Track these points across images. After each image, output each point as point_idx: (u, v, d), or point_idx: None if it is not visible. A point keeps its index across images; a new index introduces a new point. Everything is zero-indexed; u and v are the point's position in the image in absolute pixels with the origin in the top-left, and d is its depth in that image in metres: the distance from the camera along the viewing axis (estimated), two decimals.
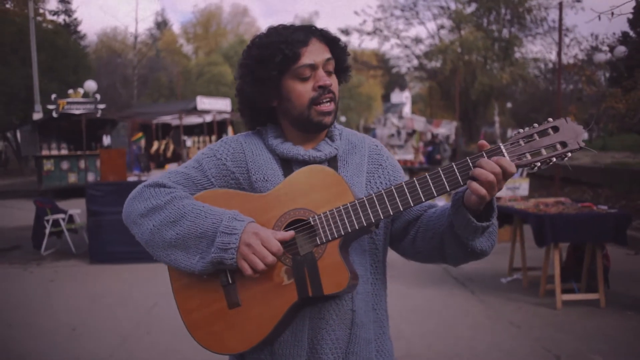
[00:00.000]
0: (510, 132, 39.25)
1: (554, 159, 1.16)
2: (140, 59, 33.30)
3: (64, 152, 15.88)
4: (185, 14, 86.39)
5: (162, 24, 45.90)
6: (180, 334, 4.34)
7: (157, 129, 13.95)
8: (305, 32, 1.33)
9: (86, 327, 4.62)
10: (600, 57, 17.58)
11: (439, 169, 1.20)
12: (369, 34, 32.42)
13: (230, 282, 1.28)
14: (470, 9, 30.08)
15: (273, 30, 1.35)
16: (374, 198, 1.23)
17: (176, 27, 50.28)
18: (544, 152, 1.17)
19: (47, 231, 7.60)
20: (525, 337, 4.20)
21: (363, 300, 1.36)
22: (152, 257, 1.36)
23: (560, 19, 9.79)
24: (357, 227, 1.23)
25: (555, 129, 1.16)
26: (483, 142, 1.20)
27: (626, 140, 20.08)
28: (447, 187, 1.19)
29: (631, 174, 11.55)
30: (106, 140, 15.97)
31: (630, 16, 19.97)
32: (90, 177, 15.15)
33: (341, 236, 1.24)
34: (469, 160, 1.18)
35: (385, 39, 32.56)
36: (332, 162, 1.40)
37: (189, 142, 14.72)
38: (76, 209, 8.38)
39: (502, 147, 1.18)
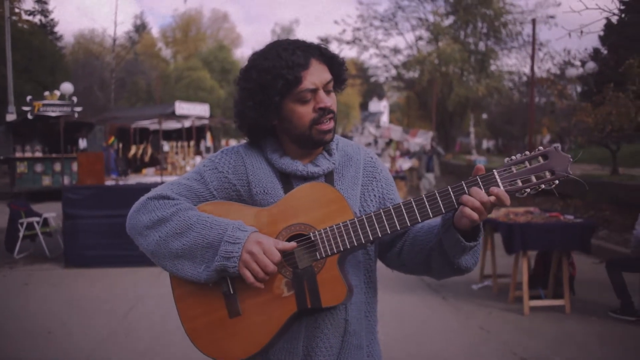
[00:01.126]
0: (485, 143, 39.97)
1: (543, 186, 1.21)
2: (118, 62, 32.99)
3: (39, 154, 15.66)
4: (164, 17, 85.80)
5: (140, 27, 45.57)
6: (158, 336, 4.40)
7: (135, 134, 13.88)
8: (305, 54, 1.33)
9: (63, 330, 4.62)
10: (572, 72, 18.14)
11: (435, 191, 1.25)
12: (348, 43, 32.72)
13: (231, 291, 1.32)
14: (448, 21, 30.66)
15: (273, 53, 1.34)
16: (373, 217, 1.28)
17: (155, 31, 50.12)
18: (533, 178, 1.22)
19: (21, 234, 7.52)
20: (494, 340, 4.36)
21: (356, 309, 1.41)
22: (160, 265, 1.40)
23: (534, 36, 10.13)
24: (355, 244, 1.28)
25: (545, 157, 1.22)
26: (480, 166, 1.26)
27: (596, 153, 20.65)
28: (443, 209, 1.24)
29: (600, 186, 11.93)
30: (82, 143, 15.78)
31: (602, 33, 20.68)
32: (66, 180, 14.96)
33: (340, 252, 1.29)
34: (464, 185, 1.23)
35: (364, 48, 32.92)
36: (328, 176, 1.44)
37: (166, 147, 14.64)
38: (51, 212, 8.30)
39: (495, 173, 1.23)
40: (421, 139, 17.99)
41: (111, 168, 10.45)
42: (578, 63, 18.88)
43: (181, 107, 12.40)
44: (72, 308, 5.28)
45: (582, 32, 8.13)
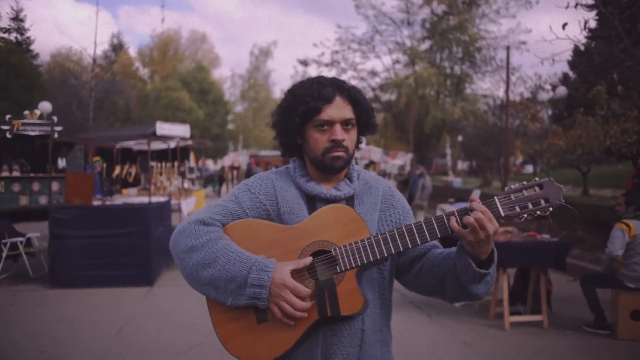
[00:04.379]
0: (460, 164, 40.75)
1: (538, 212, 1.35)
2: (97, 82, 32.79)
3: (16, 173, 15.44)
4: (142, 37, 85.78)
5: (118, 47, 45.44)
6: (152, 353, 4.46)
7: (118, 154, 13.87)
8: (333, 90, 1.52)
9: (56, 350, 4.65)
10: (543, 95, 18.80)
11: (443, 214, 1.41)
12: (327, 65, 33.27)
13: None
14: (424, 46, 31.49)
15: (309, 83, 1.55)
16: (387, 236, 1.44)
17: (132, 51, 49.78)
18: (530, 205, 1.36)
19: (4, 254, 7.47)
20: (477, 355, 4.56)
21: (371, 321, 1.54)
22: (193, 288, 1.53)
23: (508, 62, 10.58)
24: (372, 260, 1.43)
25: (541, 186, 1.37)
26: (474, 197, 1.38)
27: (567, 175, 21.30)
28: (449, 230, 1.38)
29: (572, 206, 12.36)
30: (61, 163, 15.64)
31: (570, 59, 21.51)
32: (44, 200, 14.76)
33: (358, 266, 1.44)
34: (468, 210, 1.37)
35: (343, 71, 33.48)
36: (349, 200, 1.59)
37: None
38: (32, 232, 8.25)
39: (496, 199, 1.37)
40: (400, 161, 18.33)
41: (96, 188, 10.40)
42: (549, 87, 19.57)
43: (162, 128, 12.39)
44: (62, 327, 5.29)
45: (553, 60, 8.60)
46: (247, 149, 47.82)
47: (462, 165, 41.27)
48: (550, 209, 1.37)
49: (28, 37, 34.77)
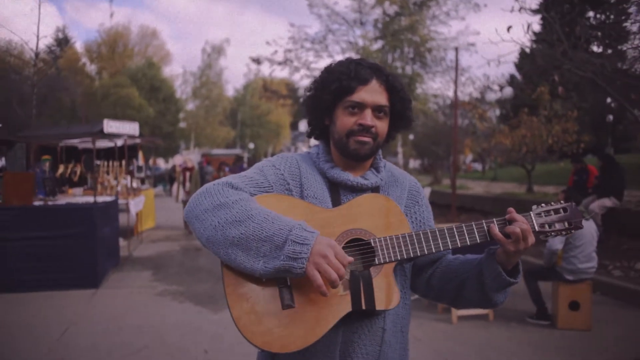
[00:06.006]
0: (412, 163, 41.52)
1: (564, 232, 1.46)
2: (41, 77, 31.41)
3: None
4: (89, 31, 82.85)
5: (63, 41, 43.68)
6: (95, 357, 4.31)
7: (62, 152, 13.34)
8: (371, 72, 1.43)
9: None
10: (491, 96, 19.43)
11: (483, 221, 1.42)
12: (280, 64, 33.04)
13: (288, 283, 1.32)
14: (376, 45, 31.83)
15: (347, 62, 1.47)
16: (429, 234, 1.40)
17: (79, 45, 47.77)
18: (557, 225, 1.46)
19: None
20: (427, 348, 4.65)
21: (393, 321, 1.48)
22: (213, 252, 1.34)
23: (457, 62, 10.84)
24: (412, 256, 1.39)
25: (565, 210, 1.47)
26: (511, 209, 1.42)
27: (513, 173, 22.09)
28: (488, 237, 1.41)
29: (517, 203, 12.83)
30: (0, 162, 14.92)
31: (516, 61, 22.31)
32: None
33: (397, 260, 1.38)
34: (506, 220, 1.41)
35: (296, 69, 33.34)
36: (375, 190, 1.51)
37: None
38: None
39: (532, 215, 1.44)
40: None
41: (39, 188, 9.94)
42: (496, 87, 20.23)
43: (110, 126, 12.01)
44: None
45: (499, 61, 8.90)
46: (199, 148, 47.05)
47: (413, 163, 42.03)
48: (573, 231, 1.48)
49: None
